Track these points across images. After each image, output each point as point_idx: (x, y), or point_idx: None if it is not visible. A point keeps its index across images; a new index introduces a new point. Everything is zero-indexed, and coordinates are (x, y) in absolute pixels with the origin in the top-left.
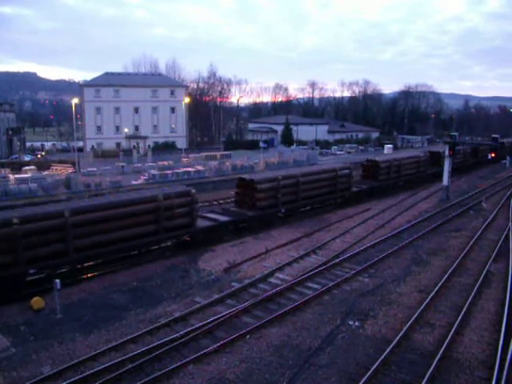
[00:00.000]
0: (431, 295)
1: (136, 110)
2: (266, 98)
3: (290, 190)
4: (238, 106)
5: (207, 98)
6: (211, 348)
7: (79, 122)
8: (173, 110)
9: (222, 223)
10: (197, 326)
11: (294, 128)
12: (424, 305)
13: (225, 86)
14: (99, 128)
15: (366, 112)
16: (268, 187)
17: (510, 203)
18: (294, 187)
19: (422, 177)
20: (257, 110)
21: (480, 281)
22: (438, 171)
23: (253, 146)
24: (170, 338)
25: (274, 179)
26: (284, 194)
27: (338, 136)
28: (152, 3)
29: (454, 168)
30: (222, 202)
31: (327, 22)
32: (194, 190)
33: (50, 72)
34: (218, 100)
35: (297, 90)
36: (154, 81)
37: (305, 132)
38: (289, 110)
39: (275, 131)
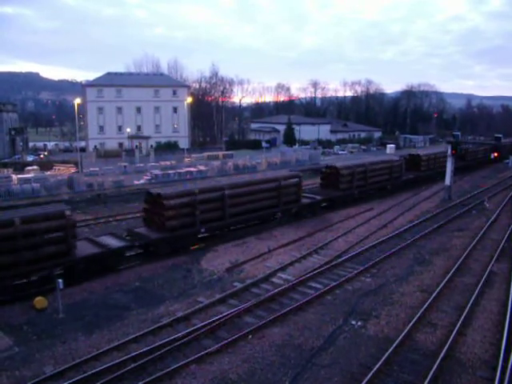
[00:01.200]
0: (434, 295)
1: (138, 110)
2: (268, 98)
3: (213, 206)
4: (240, 105)
5: (209, 98)
6: (213, 348)
7: (82, 122)
8: (175, 109)
9: (115, 249)
10: (199, 325)
11: (296, 128)
12: (426, 305)
13: (227, 85)
14: (102, 128)
15: (369, 112)
16: (180, 203)
17: None
18: (219, 202)
19: (396, 184)
20: (259, 110)
21: (483, 281)
22: (416, 177)
23: (255, 145)
24: (173, 337)
25: (190, 193)
26: (205, 211)
27: (340, 136)
28: (152, 3)
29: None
30: None
31: (327, 22)
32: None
33: (53, 72)
34: (220, 100)
35: (299, 89)
36: (156, 81)
37: (307, 132)
38: (291, 109)
39: (277, 131)
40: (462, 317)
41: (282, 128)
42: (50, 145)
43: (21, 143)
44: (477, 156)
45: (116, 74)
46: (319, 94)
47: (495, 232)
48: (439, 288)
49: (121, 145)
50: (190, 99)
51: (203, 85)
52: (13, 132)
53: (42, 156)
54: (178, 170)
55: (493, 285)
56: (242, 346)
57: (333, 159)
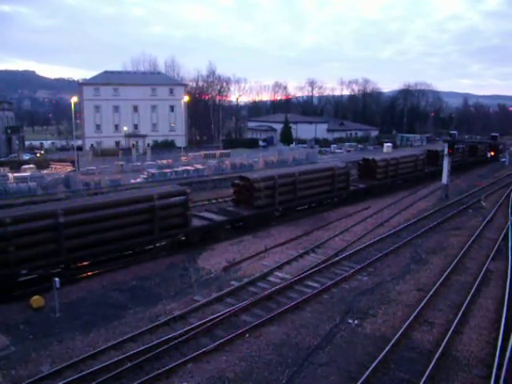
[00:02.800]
0: (430, 294)
1: (135, 109)
2: (266, 97)
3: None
4: (237, 104)
5: (206, 97)
6: (210, 346)
7: (78, 121)
8: (172, 108)
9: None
10: (196, 324)
11: (293, 126)
12: (423, 303)
13: (224, 84)
14: (98, 126)
15: (366, 110)
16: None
17: (509, 201)
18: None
19: (339, 196)
20: (256, 109)
21: (479, 279)
22: (369, 187)
23: (252, 144)
24: (169, 336)
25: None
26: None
27: (337, 134)
28: (150, 1)
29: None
30: (221, 200)
31: (326, 21)
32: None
33: (49, 70)
34: (218, 98)
35: (296, 88)
36: (153, 79)
37: (304, 130)
38: (288, 108)
39: (274, 130)
40: (459, 315)
41: (279, 127)
42: (47, 143)
43: (17, 142)
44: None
45: (113, 72)
46: (316, 93)
47: (492, 231)
48: (436, 286)
49: (117, 143)
50: (187, 98)
51: (200, 83)
52: (9, 131)
53: (38, 155)
54: (175, 169)
55: (489, 283)
56: (239, 345)
57: (329, 158)
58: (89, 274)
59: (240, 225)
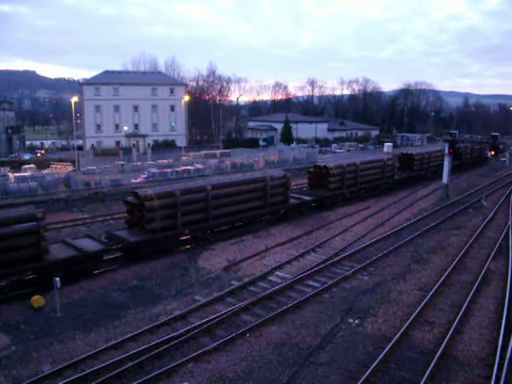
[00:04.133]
0: (431, 293)
1: (135, 109)
2: (266, 97)
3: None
4: (237, 104)
5: (207, 97)
6: (211, 346)
7: (79, 121)
8: (172, 108)
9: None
10: (197, 324)
11: (293, 126)
12: (424, 303)
13: (224, 84)
14: (99, 126)
15: (366, 110)
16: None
17: (510, 201)
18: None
19: (273, 212)
20: (256, 109)
21: (480, 279)
22: (318, 199)
23: (252, 144)
24: (170, 336)
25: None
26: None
27: (337, 134)
28: (150, 1)
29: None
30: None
31: (326, 20)
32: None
33: (50, 70)
34: (218, 98)
35: (296, 88)
36: (154, 79)
37: (304, 130)
38: (288, 108)
39: (275, 129)
40: (459, 315)
41: (279, 126)
42: (47, 143)
43: (17, 142)
44: (430, 164)
45: (113, 72)
46: (317, 93)
47: (492, 230)
48: (436, 286)
49: (118, 143)
50: (187, 97)
51: (200, 83)
52: (9, 130)
53: (38, 154)
54: (176, 169)
55: (490, 283)
56: (239, 345)
57: (329, 157)
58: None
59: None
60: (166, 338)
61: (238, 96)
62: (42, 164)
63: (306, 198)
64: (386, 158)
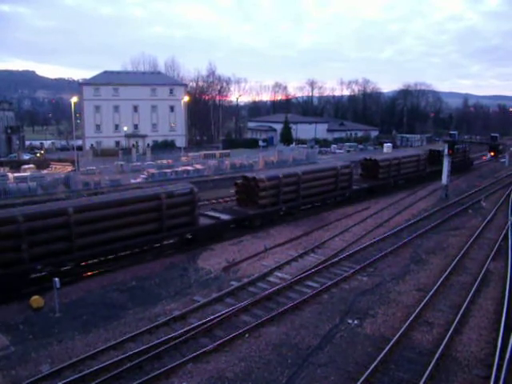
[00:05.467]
0: (430, 294)
1: (135, 109)
2: (266, 97)
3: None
4: (237, 104)
5: (206, 97)
6: (210, 347)
7: (78, 121)
8: (172, 108)
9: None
10: (196, 324)
11: (293, 127)
12: (423, 303)
13: (224, 84)
14: (98, 126)
15: (366, 111)
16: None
17: (509, 202)
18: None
19: (176, 235)
20: (256, 109)
21: (479, 280)
22: (243, 217)
23: (252, 144)
24: (169, 336)
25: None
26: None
27: (337, 135)
28: (149, 2)
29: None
30: (221, 200)
31: (326, 21)
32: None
33: (49, 70)
34: (218, 98)
35: (296, 88)
36: (153, 79)
37: (304, 131)
38: (288, 108)
39: (274, 130)
40: (459, 315)
41: (279, 127)
42: (47, 143)
43: (17, 142)
44: (400, 171)
45: (113, 72)
46: (316, 93)
47: (491, 231)
48: (436, 287)
49: (117, 143)
50: (186, 98)
51: (200, 83)
52: (9, 130)
53: (38, 154)
54: (175, 169)
55: (489, 283)
56: (238, 345)
57: (328, 158)
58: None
59: None
60: (165, 338)
61: (238, 96)
62: (41, 164)
63: (225, 217)
64: (340, 166)
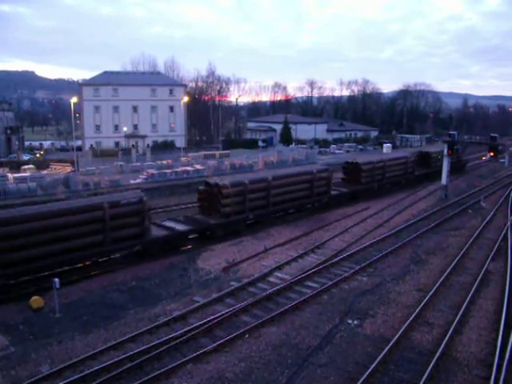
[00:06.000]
0: (430, 294)
1: (135, 109)
2: (265, 97)
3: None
4: (236, 104)
5: (206, 97)
6: (210, 347)
7: (78, 121)
8: (171, 108)
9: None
10: (196, 324)
11: (292, 127)
12: (423, 304)
13: (223, 84)
14: (98, 127)
15: (365, 111)
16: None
17: (509, 202)
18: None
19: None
20: (256, 109)
21: (479, 280)
22: (201, 227)
23: (252, 145)
24: (169, 336)
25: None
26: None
27: (336, 135)
28: (149, 2)
29: None
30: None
31: (326, 21)
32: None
33: (49, 71)
34: (217, 99)
35: (296, 88)
36: (153, 80)
37: (304, 131)
38: (288, 108)
39: (274, 130)
40: (458, 316)
41: (278, 127)
42: (46, 144)
43: (17, 142)
44: (385, 175)
45: (112, 72)
46: (316, 94)
47: (491, 231)
48: (435, 287)
49: (117, 144)
50: (186, 98)
51: (200, 84)
52: (8, 131)
53: (38, 155)
54: (175, 169)
55: (489, 284)
56: (238, 345)
57: (328, 158)
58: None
59: None
60: (165, 338)
61: (238, 97)
62: (41, 164)
63: (181, 227)
64: (317, 170)
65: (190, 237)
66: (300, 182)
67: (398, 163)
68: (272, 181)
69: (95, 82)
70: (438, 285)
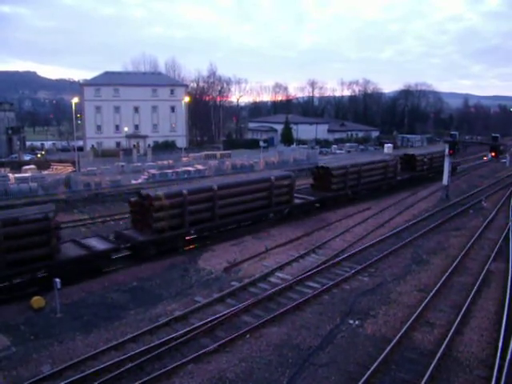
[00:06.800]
0: (431, 294)
1: (136, 109)
2: (266, 98)
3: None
4: (237, 105)
5: (207, 97)
6: (211, 347)
7: (79, 122)
8: (173, 109)
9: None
10: (197, 325)
11: (293, 127)
12: (424, 304)
13: (224, 85)
14: (99, 127)
15: (366, 111)
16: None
17: (510, 202)
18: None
19: None
20: (257, 110)
21: (480, 280)
22: (137, 241)
23: (253, 145)
24: (170, 337)
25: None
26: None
27: (337, 135)
28: (150, 2)
29: None
30: None
31: (326, 21)
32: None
33: (50, 71)
34: (218, 99)
35: (297, 89)
36: (154, 80)
37: (305, 131)
38: (289, 109)
39: (275, 130)
40: (460, 316)
41: (279, 127)
42: (48, 144)
43: (18, 142)
44: (360, 180)
45: (114, 73)
46: (317, 94)
47: (492, 231)
48: (437, 287)
49: (118, 144)
50: (187, 98)
51: (201, 84)
52: (10, 131)
53: (39, 155)
54: (176, 170)
55: (490, 284)
56: (239, 346)
57: (329, 158)
58: None
59: None
60: (166, 338)
61: (239, 97)
62: (42, 165)
63: (103, 245)
64: (276, 176)
65: (115, 256)
66: (254, 191)
67: (375, 167)
68: (218, 190)
69: (96, 83)
70: (439, 285)
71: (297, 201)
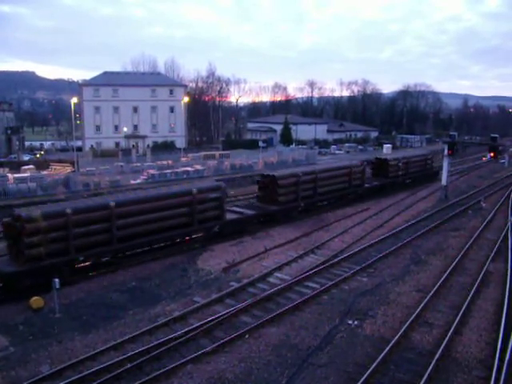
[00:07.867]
0: (430, 295)
1: (135, 110)
2: (265, 98)
3: None
4: (237, 105)
5: (206, 98)
6: (210, 347)
7: (78, 122)
8: (172, 109)
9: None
10: (196, 325)
11: (293, 127)
12: (423, 304)
13: (224, 85)
14: (98, 127)
15: (365, 111)
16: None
17: (509, 202)
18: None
19: None
20: (256, 110)
21: (479, 280)
22: None
23: (252, 145)
24: (169, 337)
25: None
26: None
27: (337, 135)
28: (150, 2)
29: None
30: None
31: (326, 21)
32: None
33: (49, 71)
34: (217, 99)
35: (296, 89)
36: (153, 80)
37: (304, 131)
38: (288, 109)
39: (274, 131)
40: (458, 316)
41: (278, 128)
42: (47, 144)
43: (17, 142)
44: (317, 190)
45: (113, 73)
46: (316, 94)
47: (491, 232)
48: (435, 288)
49: (117, 144)
50: (186, 99)
51: (200, 84)
52: (9, 131)
53: (38, 155)
54: (175, 170)
55: (489, 284)
56: (238, 346)
57: (328, 159)
58: None
59: None
60: (165, 339)
61: (238, 97)
62: (41, 165)
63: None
64: (198, 189)
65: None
66: (169, 207)
67: (337, 174)
68: (116, 208)
69: (95, 83)
70: (438, 285)
71: (231, 216)
